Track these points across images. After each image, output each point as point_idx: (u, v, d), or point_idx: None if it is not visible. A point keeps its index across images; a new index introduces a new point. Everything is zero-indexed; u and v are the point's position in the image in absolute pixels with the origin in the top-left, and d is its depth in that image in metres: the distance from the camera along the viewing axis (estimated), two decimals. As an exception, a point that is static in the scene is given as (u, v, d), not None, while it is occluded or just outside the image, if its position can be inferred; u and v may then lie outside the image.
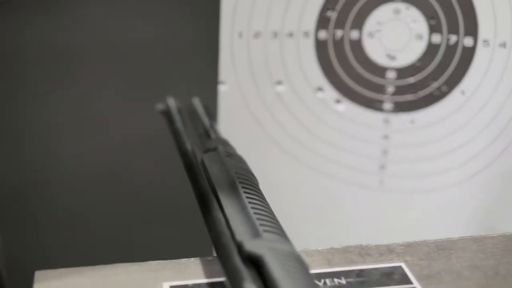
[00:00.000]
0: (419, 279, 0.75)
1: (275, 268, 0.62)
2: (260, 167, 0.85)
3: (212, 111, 1.03)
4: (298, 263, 0.64)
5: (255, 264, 0.64)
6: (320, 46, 1.00)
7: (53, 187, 1.28)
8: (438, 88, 0.99)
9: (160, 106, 1.03)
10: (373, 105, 1.01)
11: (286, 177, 1.03)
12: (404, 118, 1.01)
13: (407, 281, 0.74)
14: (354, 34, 0.99)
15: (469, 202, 1.01)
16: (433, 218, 1.03)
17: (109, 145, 1.28)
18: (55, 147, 1.27)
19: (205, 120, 0.99)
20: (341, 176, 1.03)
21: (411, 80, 1.00)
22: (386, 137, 1.02)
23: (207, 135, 0.95)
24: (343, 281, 0.73)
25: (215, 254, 0.71)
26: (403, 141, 1.02)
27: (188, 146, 0.90)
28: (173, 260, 0.77)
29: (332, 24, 0.99)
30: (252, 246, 0.66)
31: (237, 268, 0.64)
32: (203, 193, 0.78)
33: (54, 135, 1.26)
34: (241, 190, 0.76)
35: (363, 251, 0.80)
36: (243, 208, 0.73)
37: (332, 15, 0.98)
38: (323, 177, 1.04)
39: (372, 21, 0.99)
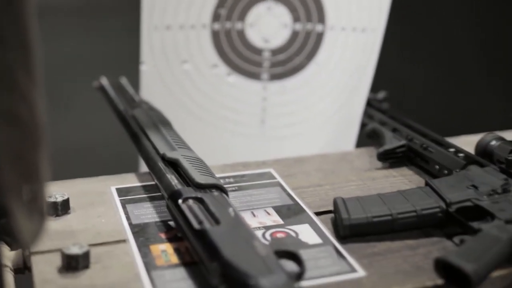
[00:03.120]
0: (282, 177, 1.10)
1: (187, 165, 0.95)
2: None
3: (135, 85, 1.33)
4: (201, 162, 0.97)
5: (174, 166, 0.97)
6: (215, 35, 1.32)
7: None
8: (300, 62, 1.34)
9: (96, 83, 1.33)
10: (254, 76, 1.34)
11: (191, 132, 1.31)
12: (277, 84, 1.35)
13: (274, 178, 1.09)
14: (239, 25, 1.32)
15: (322, 139, 1.36)
16: (300, 154, 1.37)
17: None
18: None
19: (131, 90, 1.29)
20: (232, 129, 1.36)
21: (281, 57, 1.34)
22: (264, 99, 1.35)
23: (133, 100, 1.25)
24: (232, 180, 1.07)
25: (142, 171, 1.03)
26: (277, 101, 1.35)
27: (121, 107, 1.21)
28: (117, 175, 1.09)
29: (223, 18, 1.32)
30: (170, 154, 0.98)
31: (161, 169, 0.96)
32: (135, 133, 1.10)
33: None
34: (161, 127, 1.08)
35: (246, 164, 1.14)
36: (163, 136, 1.05)
37: (223, 11, 1.31)
38: (218, 131, 1.35)
39: (252, 15, 1.32)
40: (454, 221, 0.93)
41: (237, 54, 1.34)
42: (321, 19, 1.32)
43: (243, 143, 1.36)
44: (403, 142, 1.19)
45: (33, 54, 0.57)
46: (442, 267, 0.81)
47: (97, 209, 0.97)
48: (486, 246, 0.82)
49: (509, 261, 0.84)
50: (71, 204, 0.96)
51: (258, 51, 1.34)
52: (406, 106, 1.59)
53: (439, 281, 0.82)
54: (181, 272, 0.81)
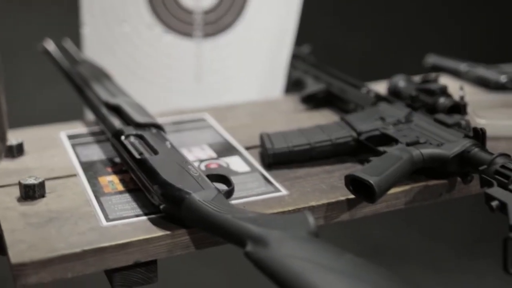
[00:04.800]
0: (215, 121, 1.21)
1: (127, 109, 1.05)
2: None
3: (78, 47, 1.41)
4: (140, 106, 1.07)
5: (116, 111, 1.07)
6: (151, -2, 1.42)
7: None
8: (230, 20, 1.44)
9: (41, 46, 1.41)
10: (189, 34, 1.44)
11: (130, 89, 1.37)
12: (211, 41, 1.45)
13: (208, 121, 1.20)
14: (172, -13, 1.42)
15: (253, 90, 1.47)
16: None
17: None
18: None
19: (74, 50, 1.38)
20: (169, 85, 1.45)
21: (212, 16, 1.44)
22: (199, 56, 1.45)
23: (76, 59, 1.34)
24: (170, 123, 1.17)
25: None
26: (211, 57, 1.46)
27: (67, 65, 1.29)
28: (66, 122, 1.18)
29: (158, -18, 1.41)
30: (112, 101, 1.08)
31: (105, 114, 1.06)
32: (79, 85, 1.19)
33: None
34: (102, 79, 1.18)
35: (183, 111, 1.25)
36: (105, 86, 1.15)
37: (157, -24, 1.40)
38: (157, 87, 1.45)
39: (184, -22, 1.42)
40: (365, 148, 1.05)
41: (173, 15, 1.43)
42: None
43: (180, 98, 1.46)
44: (322, 86, 1.31)
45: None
46: (351, 182, 0.93)
47: (50, 151, 1.07)
48: (388, 163, 0.94)
49: (409, 177, 0.97)
50: (26, 148, 1.06)
51: (190, 11, 1.44)
52: (330, 55, 1.72)
53: (351, 196, 0.94)
54: (126, 197, 0.91)
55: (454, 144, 0.97)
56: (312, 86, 1.33)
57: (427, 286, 2.10)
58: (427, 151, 0.97)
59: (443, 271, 2.16)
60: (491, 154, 0.93)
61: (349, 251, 0.71)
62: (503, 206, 0.83)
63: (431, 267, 2.18)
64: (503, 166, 0.89)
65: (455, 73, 1.53)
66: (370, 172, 0.92)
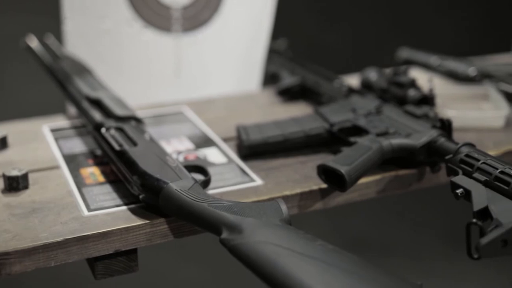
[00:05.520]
0: (194, 113, 1.23)
1: (108, 102, 1.07)
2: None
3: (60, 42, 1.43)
4: (120, 99, 1.10)
5: (97, 104, 1.09)
6: (131, -5, 1.44)
7: None
8: (208, 16, 1.47)
9: (23, 42, 1.43)
10: (168, 28, 1.46)
11: (109, 82, 1.39)
12: (190, 35, 1.48)
13: (187, 114, 1.23)
14: (151, -17, 1.45)
15: (230, 83, 1.50)
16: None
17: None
18: None
19: (56, 47, 1.40)
20: (148, 80, 1.48)
21: (190, 11, 1.47)
22: (178, 50, 1.48)
23: (58, 55, 1.36)
24: (150, 116, 1.20)
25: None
26: (190, 52, 1.48)
27: (49, 60, 1.31)
28: (49, 117, 1.21)
29: (136, -23, 1.43)
30: (94, 94, 1.10)
31: (86, 107, 1.08)
32: (61, 80, 1.21)
33: None
34: (84, 74, 1.20)
35: (162, 104, 1.27)
36: (86, 81, 1.17)
37: (135, -29, 1.43)
38: (137, 81, 1.47)
39: (162, -26, 1.44)
40: (337, 139, 1.09)
41: (152, 10, 1.45)
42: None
43: (159, 92, 1.49)
44: (297, 79, 1.34)
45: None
46: (323, 172, 0.97)
47: (33, 144, 1.10)
48: (358, 153, 0.98)
49: (380, 167, 1.01)
50: (10, 141, 1.08)
51: (169, 7, 1.46)
52: (306, 49, 1.75)
53: (323, 185, 0.98)
54: (107, 188, 0.94)
55: (422, 134, 1.01)
56: (288, 80, 1.36)
57: (413, 277, 2.14)
58: (396, 141, 1.01)
59: (428, 260, 2.21)
60: (457, 143, 0.96)
61: (333, 243, 0.74)
62: (467, 193, 0.87)
63: (416, 258, 2.22)
64: (467, 155, 0.92)
65: (426, 66, 1.56)
66: (341, 162, 0.95)
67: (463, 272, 2.10)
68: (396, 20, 3.03)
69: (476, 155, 0.91)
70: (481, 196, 0.84)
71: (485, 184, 0.87)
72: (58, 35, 1.44)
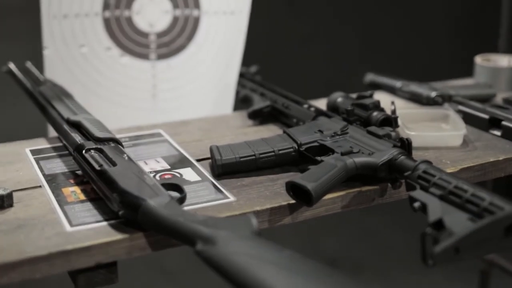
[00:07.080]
0: (169, 135, 1.29)
1: (88, 125, 1.12)
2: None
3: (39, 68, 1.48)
4: (99, 122, 1.15)
5: (77, 127, 1.14)
6: (106, 21, 1.49)
7: None
8: (182, 43, 1.53)
9: (4, 68, 1.48)
10: (144, 56, 1.52)
11: (90, 108, 1.45)
12: (164, 63, 1.54)
13: (162, 136, 1.28)
14: (127, 13, 1.50)
15: (204, 107, 1.56)
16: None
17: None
18: None
19: (36, 72, 1.45)
20: (126, 104, 1.53)
21: (166, 39, 1.53)
22: (154, 76, 1.54)
23: (39, 80, 1.41)
24: (127, 139, 1.25)
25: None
26: (165, 78, 1.54)
27: (30, 86, 1.36)
28: (30, 140, 1.25)
29: (112, 6, 1.49)
30: (73, 118, 1.15)
31: (66, 130, 1.13)
32: (42, 105, 1.26)
33: None
34: (64, 98, 1.26)
35: (139, 128, 1.33)
36: (66, 105, 1.22)
37: (112, 0, 1.48)
38: (114, 106, 1.53)
39: (137, 4, 1.50)
40: (305, 158, 1.15)
41: (127, 37, 1.51)
42: (197, 4, 1.52)
43: (137, 115, 1.54)
44: (268, 103, 1.40)
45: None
46: (291, 188, 1.02)
47: (15, 165, 1.14)
48: (324, 171, 1.04)
49: (345, 183, 1.07)
50: (-8, 163, 1.13)
51: (145, 35, 1.52)
52: (275, 74, 1.82)
53: (292, 201, 1.03)
54: (88, 205, 0.99)
55: (383, 153, 1.08)
56: (259, 103, 1.42)
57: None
58: (359, 159, 1.07)
59: (396, 277, 2.27)
60: (415, 161, 1.03)
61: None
62: (423, 206, 0.93)
63: (386, 275, 2.28)
64: (424, 172, 0.99)
65: (391, 90, 1.64)
66: (308, 179, 1.01)
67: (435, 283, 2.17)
68: (365, 46, 3.14)
69: (432, 171, 0.98)
70: (436, 208, 0.91)
71: (440, 197, 0.93)
72: (39, 60, 1.49)
